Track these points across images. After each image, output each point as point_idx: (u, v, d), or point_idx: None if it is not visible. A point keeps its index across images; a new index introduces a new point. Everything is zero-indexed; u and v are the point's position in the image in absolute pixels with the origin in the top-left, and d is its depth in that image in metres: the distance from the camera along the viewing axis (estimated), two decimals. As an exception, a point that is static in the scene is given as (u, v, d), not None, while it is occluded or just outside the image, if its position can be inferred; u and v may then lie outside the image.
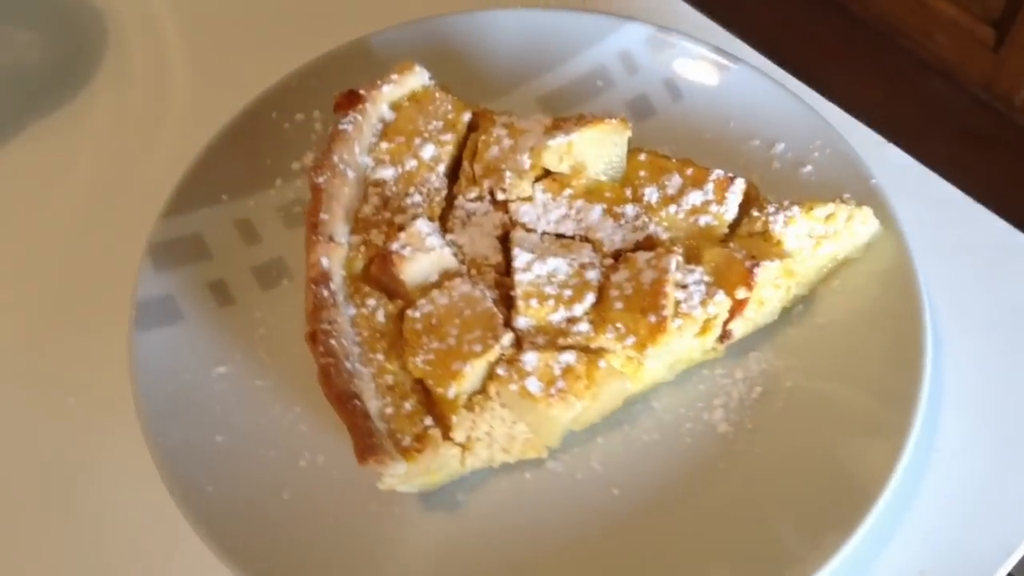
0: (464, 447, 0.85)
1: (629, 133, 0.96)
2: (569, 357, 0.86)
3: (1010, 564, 0.87)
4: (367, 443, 0.76)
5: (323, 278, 0.86)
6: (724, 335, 0.91)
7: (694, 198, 0.93)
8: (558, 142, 0.93)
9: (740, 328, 0.92)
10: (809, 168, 1.03)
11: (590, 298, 0.88)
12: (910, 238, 0.97)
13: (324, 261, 0.87)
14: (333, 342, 0.82)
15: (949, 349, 0.98)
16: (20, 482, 0.94)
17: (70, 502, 0.92)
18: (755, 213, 0.94)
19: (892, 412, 0.87)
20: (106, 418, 0.94)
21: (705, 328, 0.90)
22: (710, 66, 1.09)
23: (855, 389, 0.90)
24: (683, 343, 0.89)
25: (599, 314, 0.88)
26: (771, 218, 0.92)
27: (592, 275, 0.90)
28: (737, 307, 0.90)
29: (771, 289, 0.91)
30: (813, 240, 0.94)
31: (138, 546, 0.90)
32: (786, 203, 0.93)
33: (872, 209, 0.95)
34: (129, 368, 0.89)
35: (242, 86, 1.07)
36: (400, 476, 0.81)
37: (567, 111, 1.09)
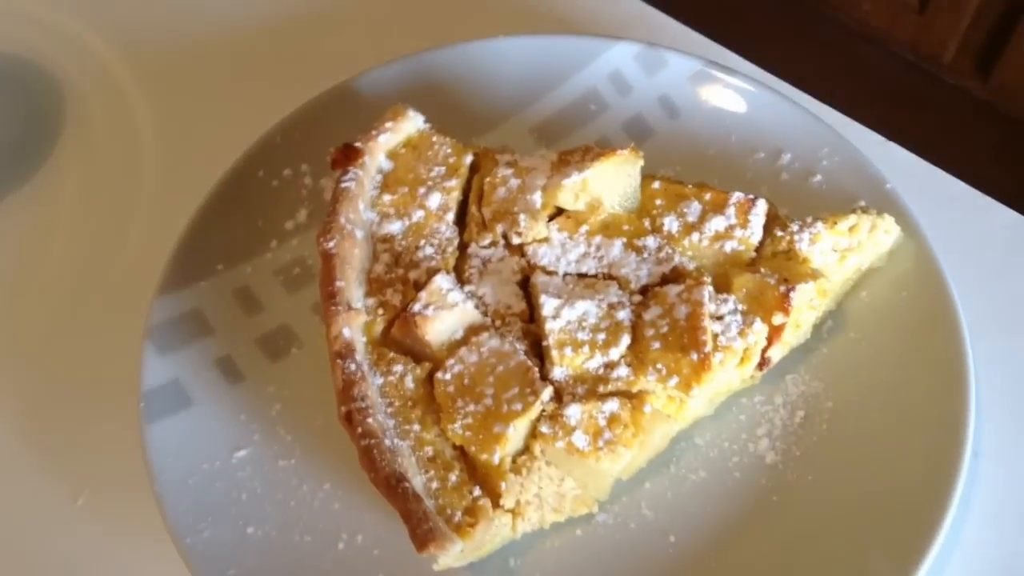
0: (515, 512, 0.81)
1: (642, 162, 0.92)
2: (612, 405, 0.82)
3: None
4: (424, 529, 0.72)
5: (348, 351, 0.81)
6: (763, 363, 0.88)
7: (717, 224, 0.90)
8: (573, 180, 0.89)
9: (778, 354, 0.89)
10: (819, 177, 1.00)
11: (625, 340, 0.85)
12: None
13: (347, 332, 0.82)
14: (370, 421, 0.77)
15: (979, 349, 0.95)
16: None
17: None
18: (779, 233, 0.91)
19: (942, 420, 0.85)
20: (122, 518, 0.88)
21: (745, 358, 0.87)
22: (704, 80, 1.06)
23: (899, 402, 0.88)
24: (725, 376, 0.86)
25: (636, 356, 0.85)
26: (796, 236, 0.90)
27: (623, 315, 0.86)
28: (774, 333, 0.87)
29: (807, 311, 0.89)
30: (838, 254, 0.92)
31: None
32: (809, 220, 0.91)
33: (892, 215, 0.93)
34: (145, 464, 0.84)
35: (216, 147, 1.02)
36: (456, 554, 0.76)
37: (563, 138, 1.06)
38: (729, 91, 1.05)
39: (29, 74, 1.09)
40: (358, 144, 0.92)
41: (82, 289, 1.02)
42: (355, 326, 0.84)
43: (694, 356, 0.83)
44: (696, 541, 0.84)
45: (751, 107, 1.04)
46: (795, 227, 0.90)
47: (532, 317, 0.88)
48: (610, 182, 0.92)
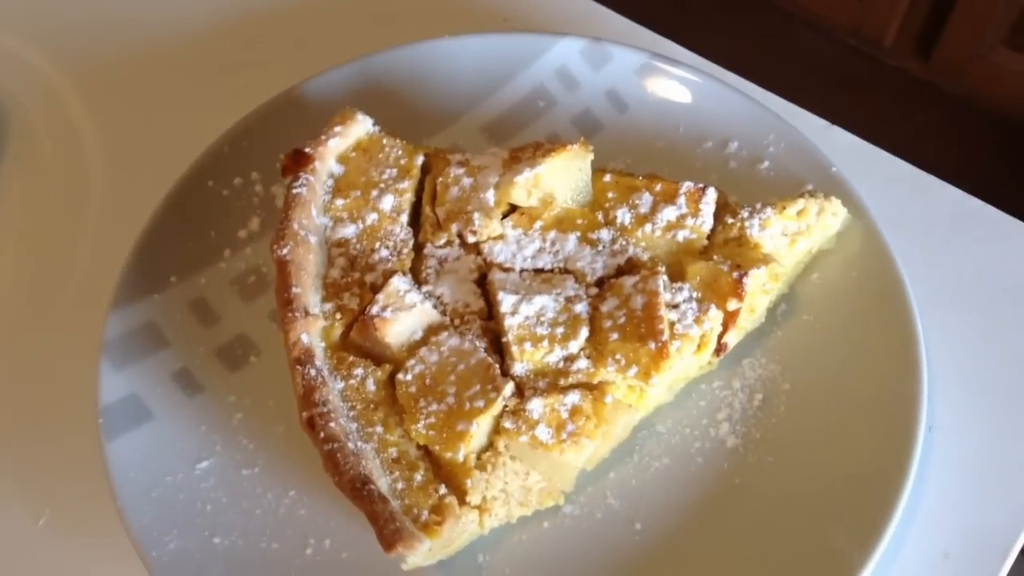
0: (481, 508, 0.81)
1: (592, 156, 0.93)
2: (574, 398, 0.83)
3: (1028, 532, 0.87)
4: (391, 530, 0.72)
5: (307, 357, 0.81)
6: (720, 348, 0.90)
7: (668, 214, 0.91)
8: (525, 177, 0.90)
9: (734, 339, 0.91)
10: (767, 164, 1.02)
11: (584, 332, 0.85)
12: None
13: (305, 338, 0.82)
14: (332, 425, 0.77)
15: (928, 324, 0.98)
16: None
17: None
18: (729, 220, 0.92)
19: (896, 396, 0.87)
20: (86, 535, 0.87)
21: (702, 344, 0.88)
22: (649, 72, 1.07)
23: (855, 383, 0.89)
24: (683, 363, 0.87)
25: (595, 347, 0.85)
26: (747, 223, 0.91)
27: (580, 308, 0.87)
28: (729, 319, 0.88)
29: (760, 295, 0.90)
30: (788, 238, 0.93)
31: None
32: (758, 206, 0.92)
33: (838, 197, 0.95)
34: (107, 480, 0.83)
35: (164, 159, 1.02)
36: (424, 554, 0.77)
37: (513, 136, 1.07)
38: (675, 83, 1.06)
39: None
40: (308, 150, 0.91)
41: (32, 307, 1.00)
42: (313, 332, 0.84)
43: (652, 345, 0.84)
44: (662, 527, 0.85)
45: (697, 97, 1.06)
46: (745, 213, 0.92)
47: (491, 314, 0.88)
48: (562, 177, 0.92)
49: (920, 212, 1.06)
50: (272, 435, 0.89)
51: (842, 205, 0.95)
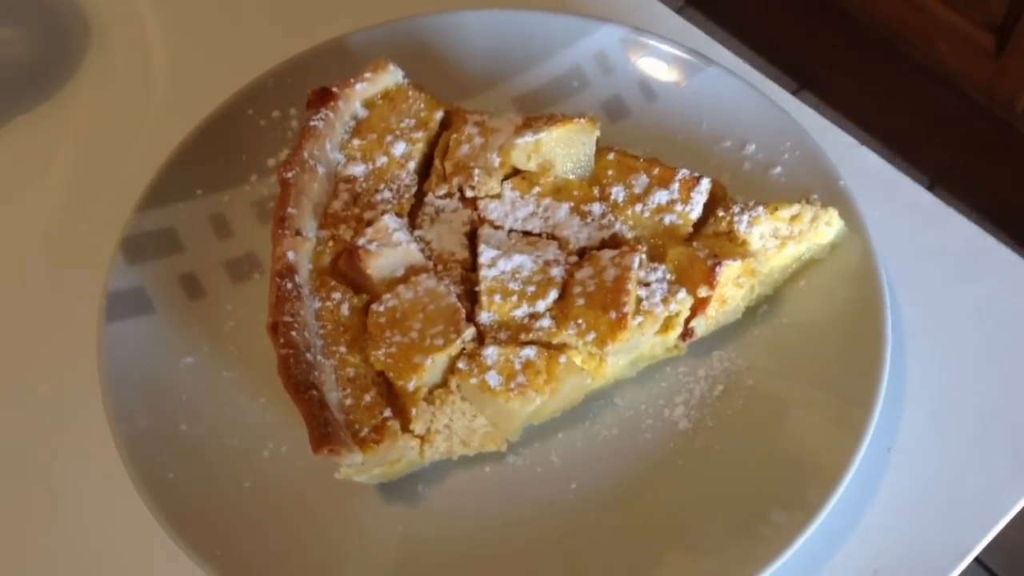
0: (423, 439, 0.85)
1: (598, 132, 0.97)
2: (529, 352, 0.87)
3: (964, 564, 0.87)
4: (322, 432, 0.77)
5: (288, 271, 0.87)
6: (686, 333, 0.92)
7: (660, 197, 0.94)
8: (525, 140, 0.94)
9: (702, 326, 0.93)
10: (779, 169, 1.03)
11: (553, 294, 0.89)
12: (878, 239, 0.98)
13: (290, 255, 0.88)
14: (294, 334, 0.83)
15: (913, 349, 0.98)
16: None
17: (33, 485, 0.93)
18: (721, 213, 0.94)
19: (850, 411, 0.87)
20: (76, 406, 0.95)
21: (667, 326, 0.90)
22: (684, 68, 1.10)
23: (815, 389, 0.90)
24: (644, 340, 0.90)
25: (561, 310, 0.89)
26: (736, 218, 0.93)
27: (556, 272, 0.90)
28: (699, 305, 0.90)
29: (733, 288, 0.92)
30: (778, 240, 0.95)
31: (99, 532, 0.90)
32: (751, 203, 0.94)
33: (839, 210, 0.96)
34: (97, 357, 0.91)
35: (221, 83, 1.09)
36: (357, 466, 0.82)
37: (542, 110, 1.10)
38: (705, 81, 1.09)
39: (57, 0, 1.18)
40: (334, 89, 0.98)
41: (74, 203, 1.10)
42: (301, 252, 0.90)
43: (612, 315, 0.87)
44: (597, 490, 0.88)
45: (725, 98, 1.08)
46: (736, 209, 0.94)
47: (474, 266, 0.93)
48: (564, 147, 0.96)
49: (932, 240, 1.05)
50: (257, 346, 0.94)
51: (839, 217, 0.96)
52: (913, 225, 1.06)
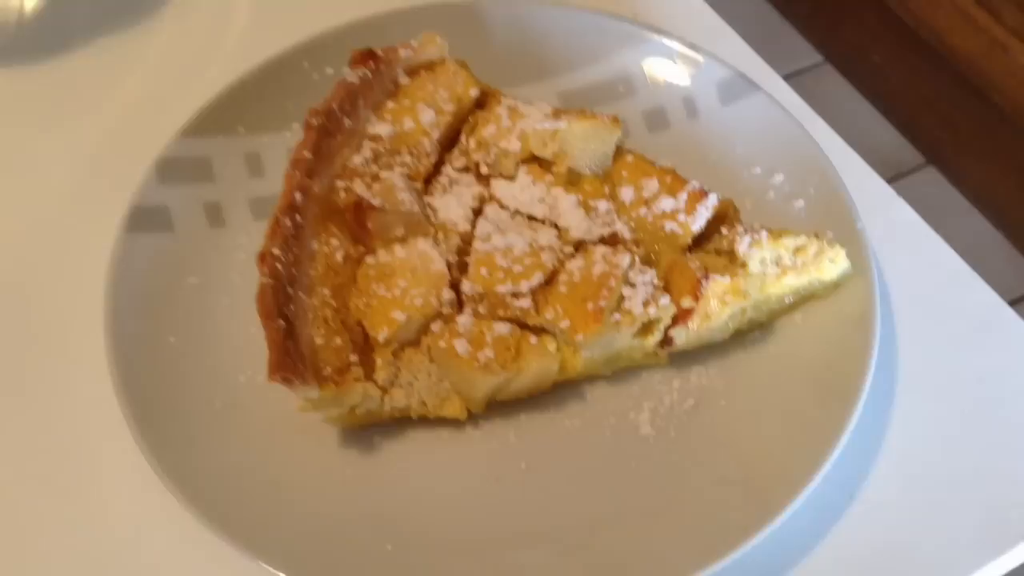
0: (384, 390, 0.88)
1: (619, 133, 0.98)
2: (503, 328, 0.89)
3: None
4: (281, 360, 0.81)
5: (291, 209, 0.91)
6: (665, 341, 0.92)
7: (666, 204, 0.95)
8: (544, 127, 0.96)
9: (683, 337, 0.93)
10: (801, 203, 1.03)
11: (538, 277, 0.91)
12: (895, 291, 0.97)
13: (297, 195, 0.92)
14: (279, 266, 0.86)
15: (902, 404, 0.96)
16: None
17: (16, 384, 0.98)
18: (725, 232, 0.95)
19: (813, 449, 0.86)
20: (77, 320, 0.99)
21: (647, 329, 0.91)
22: (729, 89, 1.10)
23: (784, 422, 0.90)
24: (621, 339, 0.91)
25: (544, 295, 0.90)
26: (738, 238, 0.93)
27: (548, 257, 0.92)
28: (681, 315, 0.91)
29: (719, 305, 0.92)
30: (779, 269, 0.94)
31: (69, 430, 0.95)
32: (756, 226, 0.94)
33: (849, 252, 0.95)
34: (108, 261, 0.96)
35: (295, 34, 1.14)
36: (315, 401, 0.85)
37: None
38: (749, 107, 1.09)
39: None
40: (378, 52, 1.02)
41: (133, 128, 1.16)
42: (310, 195, 0.94)
43: (590, 306, 0.88)
44: (544, 474, 0.89)
45: (763, 126, 1.08)
46: (740, 229, 0.94)
47: (472, 241, 0.95)
48: (582, 142, 0.98)
49: (950, 301, 1.03)
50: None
51: (846, 258, 0.95)
52: (935, 283, 1.04)
